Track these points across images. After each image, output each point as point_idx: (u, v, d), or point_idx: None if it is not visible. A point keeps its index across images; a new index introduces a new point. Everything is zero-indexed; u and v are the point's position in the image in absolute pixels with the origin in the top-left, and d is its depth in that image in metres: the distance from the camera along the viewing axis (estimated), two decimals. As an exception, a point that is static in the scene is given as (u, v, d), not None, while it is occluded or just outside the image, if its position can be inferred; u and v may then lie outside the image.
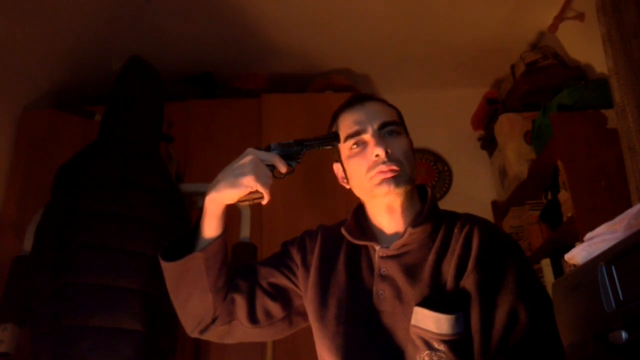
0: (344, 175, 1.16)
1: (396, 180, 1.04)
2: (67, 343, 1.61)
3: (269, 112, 2.68)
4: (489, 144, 2.98)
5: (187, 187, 2.10)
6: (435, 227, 1.08)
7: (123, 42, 2.59)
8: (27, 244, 1.91)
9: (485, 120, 2.98)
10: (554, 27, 2.52)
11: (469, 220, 1.07)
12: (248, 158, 1.02)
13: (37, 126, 2.64)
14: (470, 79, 3.10)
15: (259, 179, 1.00)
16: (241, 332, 1.13)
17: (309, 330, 1.14)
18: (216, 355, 2.24)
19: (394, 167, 1.05)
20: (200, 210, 2.05)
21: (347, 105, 1.14)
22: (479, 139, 3.08)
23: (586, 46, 2.50)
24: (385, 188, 1.04)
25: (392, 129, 1.10)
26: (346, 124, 1.12)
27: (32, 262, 1.82)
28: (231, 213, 1.84)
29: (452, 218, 1.10)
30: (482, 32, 2.71)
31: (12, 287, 1.86)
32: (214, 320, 1.11)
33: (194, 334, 1.13)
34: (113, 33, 2.58)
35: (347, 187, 1.16)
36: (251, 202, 1.04)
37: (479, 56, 2.90)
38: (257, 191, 1.01)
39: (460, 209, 1.15)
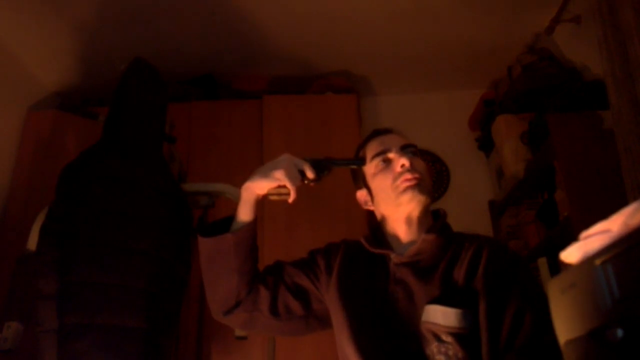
0: (368, 198, 1.28)
1: (420, 187, 1.17)
2: (70, 341, 1.62)
3: (270, 113, 2.70)
4: (486, 144, 3.00)
5: (190, 186, 2.11)
6: (447, 242, 1.18)
7: (126, 44, 2.60)
8: (32, 243, 1.91)
9: (482, 121, 2.99)
10: (550, 29, 2.54)
11: (478, 238, 1.18)
12: (283, 157, 1.19)
13: (41, 127, 2.65)
14: (467, 81, 3.12)
15: (288, 174, 1.15)
16: (262, 322, 1.23)
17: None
18: (217, 355, 2.24)
19: (417, 176, 1.18)
20: (202, 209, 2.08)
21: (372, 136, 1.30)
22: (476, 140, 3.09)
23: (582, 48, 2.52)
24: (409, 194, 1.17)
25: (413, 150, 1.25)
26: (372, 148, 1.27)
27: (36, 261, 1.83)
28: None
29: (462, 236, 1.20)
30: (479, 34, 2.73)
31: (16, 285, 1.87)
32: (237, 304, 1.20)
33: (218, 315, 1.24)
34: (116, 35, 2.60)
35: (371, 208, 1.29)
36: (279, 197, 1.17)
37: (476, 58, 2.92)
38: (285, 187, 1.14)
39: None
